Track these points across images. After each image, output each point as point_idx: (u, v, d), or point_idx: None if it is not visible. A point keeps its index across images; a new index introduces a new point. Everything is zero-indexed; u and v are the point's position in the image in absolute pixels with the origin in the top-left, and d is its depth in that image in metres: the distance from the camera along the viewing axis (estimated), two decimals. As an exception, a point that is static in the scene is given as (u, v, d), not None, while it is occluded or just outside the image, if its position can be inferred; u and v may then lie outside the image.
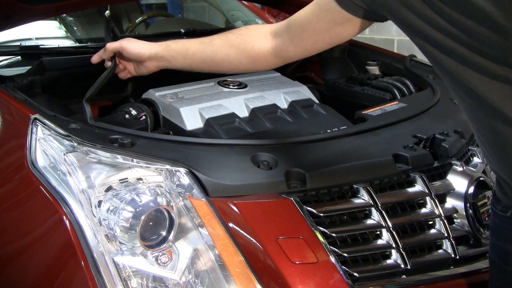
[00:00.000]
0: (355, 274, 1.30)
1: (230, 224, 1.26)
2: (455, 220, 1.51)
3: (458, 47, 0.99)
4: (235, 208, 1.29)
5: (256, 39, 1.45)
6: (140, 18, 3.11)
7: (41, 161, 1.33)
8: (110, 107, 1.97)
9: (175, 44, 1.60)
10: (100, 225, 1.23)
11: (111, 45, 1.68)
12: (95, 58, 1.73)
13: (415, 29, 1.05)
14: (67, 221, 1.23)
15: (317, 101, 2.01)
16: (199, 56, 1.54)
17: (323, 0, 1.26)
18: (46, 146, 1.34)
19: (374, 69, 2.40)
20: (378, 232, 1.39)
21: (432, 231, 1.46)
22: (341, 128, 1.77)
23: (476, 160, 1.70)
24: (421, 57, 2.42)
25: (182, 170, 1.31)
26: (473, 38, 0.96)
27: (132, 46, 1.65)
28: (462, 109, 1.14)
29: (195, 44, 1.55)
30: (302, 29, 1.33)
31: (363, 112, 1.83)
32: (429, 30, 1.02)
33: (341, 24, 1.26)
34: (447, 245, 1.45)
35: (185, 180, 1.30)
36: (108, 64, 1.72)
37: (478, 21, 0.94)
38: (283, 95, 1.97)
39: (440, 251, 1.45)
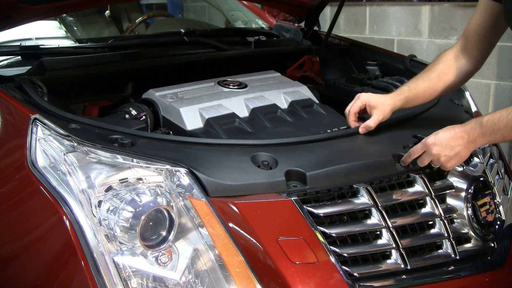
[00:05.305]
0: (355, 274, 1.30)
1: (230, 224, 1.26)
2: (455, 220, 1.51)
3: None
4: (235, 208, 1.28)
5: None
6: (140, 18, 3.11)
7: (41, 161, 1.33)
8: (110, 107, 1.97)
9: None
10: (100, 225, 1.23)
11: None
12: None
13: None
14: (67, 221, 1.23)
15: (317, 101, 2.01)
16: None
17: None
18: (46, 146, 1.34)
19: (374, 69, 2.40)
20: (378, 232, 1.39)
21: (432, 231, 1.46)
22: (341, 128, 1.77)
23: (476, 160, 1.70)
24: (421, 57, 2.44)
25: (182, 170, 1.31)
26: None
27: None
28: None
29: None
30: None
31: (363, 112, 1.83)
32: None
33: None
34: (447, 245, 1.45)
35: (185, 180, 1.30)
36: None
37: None
38: (283, 95, 1.96)
39: (440, 251, 1.45)
